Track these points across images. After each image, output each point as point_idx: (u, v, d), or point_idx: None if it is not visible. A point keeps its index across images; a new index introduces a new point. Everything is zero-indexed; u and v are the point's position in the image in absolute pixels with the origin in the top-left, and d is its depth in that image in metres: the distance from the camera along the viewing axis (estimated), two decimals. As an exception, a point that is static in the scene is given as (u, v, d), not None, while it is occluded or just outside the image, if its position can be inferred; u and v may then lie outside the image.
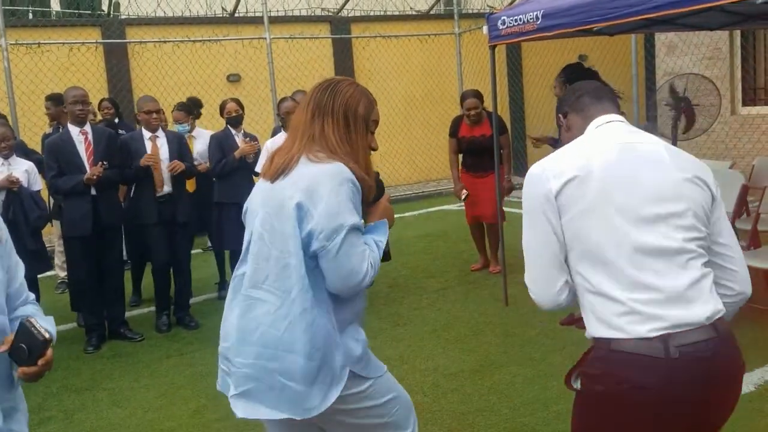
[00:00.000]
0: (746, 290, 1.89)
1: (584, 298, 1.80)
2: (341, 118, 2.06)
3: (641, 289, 1.71)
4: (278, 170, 2.04)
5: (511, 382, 3.92)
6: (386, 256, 2.11)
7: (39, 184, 5.23)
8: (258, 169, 5.42)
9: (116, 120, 6.90)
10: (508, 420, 3.47)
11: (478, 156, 6.07)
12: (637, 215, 1.74)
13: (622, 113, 2.03)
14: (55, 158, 4.86)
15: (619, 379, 1.70)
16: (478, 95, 5.99)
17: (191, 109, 6.48)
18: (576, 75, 5.36)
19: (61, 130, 6.65)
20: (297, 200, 1.95)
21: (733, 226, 4.74)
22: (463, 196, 6.12)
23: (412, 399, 2.27)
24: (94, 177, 4.79)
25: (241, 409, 2.03)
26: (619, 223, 1.74)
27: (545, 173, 1.82)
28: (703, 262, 1.78)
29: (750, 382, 3.66)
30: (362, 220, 2.03)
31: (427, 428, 3.43)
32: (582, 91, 2.02)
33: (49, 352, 1.70)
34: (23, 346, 1.67)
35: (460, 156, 6.29)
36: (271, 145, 5.39)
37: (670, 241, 1.74)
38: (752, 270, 4.50)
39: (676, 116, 6.01)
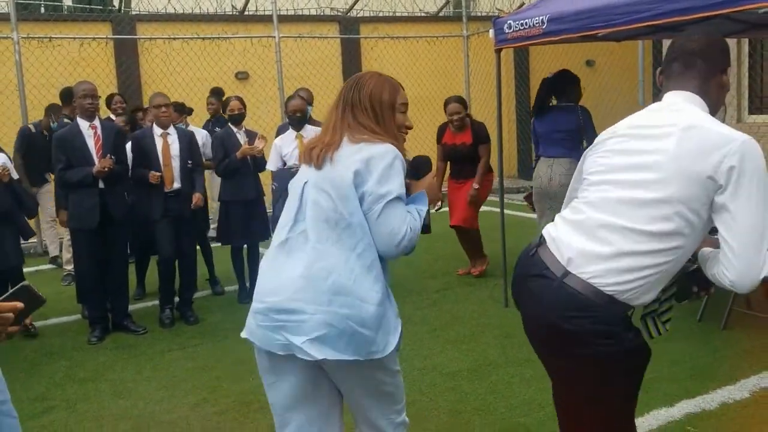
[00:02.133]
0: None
1: None
2: (369, 108, 2.24)
3: None
4: (323, 158, 2.20)
5: (508, 382, 3.96)
6: (426, 229, 2.28)
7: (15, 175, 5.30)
8: (270, 167, 5.47)
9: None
10: (504, 419, 3.51)
11: (460, 163, 6.18)
12: None
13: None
14: (64, 151, 4.92)
15: None
16: (461, 101, 6.06)
17: (184, 108, 6.58)
18: (551, 86, 5.48)
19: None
20: (354, 168, 2.12)
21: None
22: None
23: (409, 397, 2.39)
24: (105, 169, 4.85)
25: (318, 352, 2.09)
26: None
27: None
28: None
29: (745, 388, 3.69)
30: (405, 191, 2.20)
31: (423, 425, 3.47)
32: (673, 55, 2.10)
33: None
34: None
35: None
36: (280, 143, 5.44)
37: None
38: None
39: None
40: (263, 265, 2.27)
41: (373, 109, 2.24)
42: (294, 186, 2.30)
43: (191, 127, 6.34)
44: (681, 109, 1.99)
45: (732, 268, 1.83)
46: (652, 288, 1.94)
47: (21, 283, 1.69)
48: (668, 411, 3.43)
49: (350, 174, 2.12)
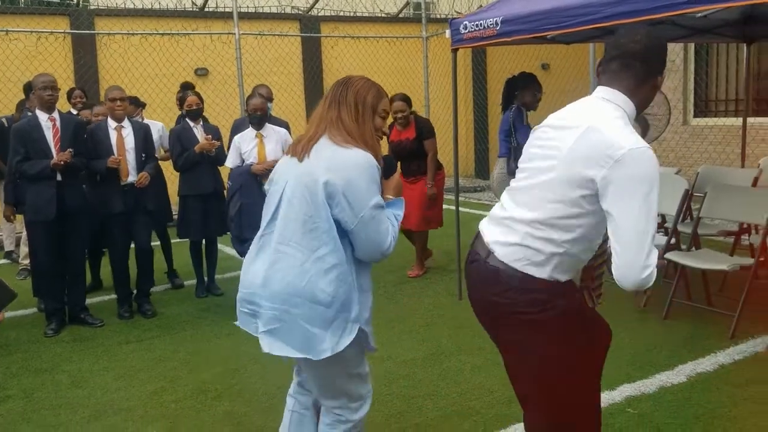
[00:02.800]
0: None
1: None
2: (353, 106, 2.36)
3: None
4: (304, 151, 2.33)
5: (460, 369, 4.10)
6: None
7: None
8: (228, 164, 5.50)
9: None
10: (455, 404, 3.65)
11: (406, 160, 6.14)
12: None
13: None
14: (23, 143, 4.90)
15: None
16: (405, 99, 6.06)
17: (138, 101, 6.59)
18: (513, 86, 5.68)
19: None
20: (325, 179, 2.24)
21: (675, 229, 5.02)
22: None
23: None
24: (62, 162, 4.85)
25: (267, 345, 2.33)
26: None
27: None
28: None
29: (682, 373, 3.90)
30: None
31: (378, 411, 3.59)
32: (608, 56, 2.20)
33: None
34: None
35: None
36: (239, 140, 5.48)
37: None
38: (692, 270, 4.77)
39: (633, 125, 6.27)
40: (246, 256, 2.45)
41: (356, 107, 2.36)
42: (276, 181, 2.41)
43: (147, 120, 6.33)
44: (596, 107, 2.10)
45: (616, 267, 1.96)
46: (567, 270, 2.10)
47: None
48: (610, 394, 3.61)
49: (321, 182, 2.23)
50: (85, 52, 9.79)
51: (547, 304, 2.07)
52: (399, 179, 2.58)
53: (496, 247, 2.15)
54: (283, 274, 2.28)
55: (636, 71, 2.12)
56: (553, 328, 2.08)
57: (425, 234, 6.38)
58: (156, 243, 5.90)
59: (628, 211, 1.92)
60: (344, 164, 2.25)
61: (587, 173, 1.97)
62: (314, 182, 2.25)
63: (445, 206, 6.68)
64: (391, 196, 2.50)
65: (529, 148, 2.22)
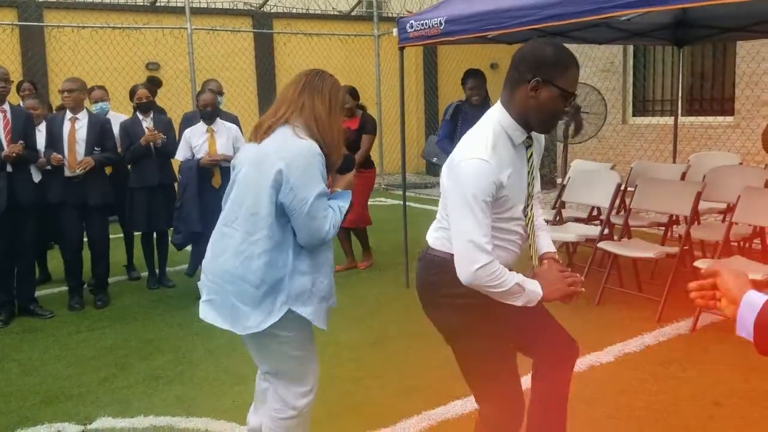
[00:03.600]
0: None
1: None
2: (327, 98, 2.48)
3: None
4: (265, 132, 2.46)
5: (404, 352, 4.30)
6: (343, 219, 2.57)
7: None
8: (178, 156, 5.57)
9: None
10: (398, 383, 3.84)
11: (348, 151, 6.31)
12: None
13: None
14: None
15: None
16: (351, 92, 6.12)
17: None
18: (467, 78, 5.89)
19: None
20: (278, 167, 2.35)
21: (609, 220, 5.31)
22: None
23: None
24: (13, 154, 4.86)
25: (202, 312, 2.51)
26: None
27: None
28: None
29: (611, 353, 4.17)
30: (326, 186, 2.44)
31: (325, 392, 3.71)
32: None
33: None
34: None
35: None
36: (189, 134, 5.56)
37: None
38: (623, 258, 5.07)
39: (568, 122, 6.58)
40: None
41: (330, 100, 2.48)
42: (236, 166, 2.54)
43: (112, 114, 6.33)
44: (475, 128, 2.24)
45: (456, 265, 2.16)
46: None
47: None
48: (543, 373, 3.85)
49: (274, 170, 2.34)
50: (33, 45, 9.68)
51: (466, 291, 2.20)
52: (352, 177, 2.70)
53: (429, 239, 2.37)
54: (222, 252, 2.45)
55: (509, 79, 2.17)
56: (460, 311, 2.28)
57: (363, 231, 6.48)
58: (120, 235, 5.96)
59: (455, 216, 2.14)
60: (292, 152, 2.36)
61: (445, 180, 2.22)
62: (265, 166, 2.36)
63: (393, 201, 6.88)
64: (339, 189, 2.63)
65: None
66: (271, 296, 2.40)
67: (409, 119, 11.13)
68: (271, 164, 2.36)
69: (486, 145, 2.11)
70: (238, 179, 2.48)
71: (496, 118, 2.20)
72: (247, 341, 2.54)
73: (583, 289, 2.33)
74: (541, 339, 2.50)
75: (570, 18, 3.97)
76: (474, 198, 2.07)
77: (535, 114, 2.14)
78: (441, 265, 2.28)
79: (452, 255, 2.20)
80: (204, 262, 2.55)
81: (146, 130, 5.64)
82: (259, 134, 2.48)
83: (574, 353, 2.56)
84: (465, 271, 2.12)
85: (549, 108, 2.13)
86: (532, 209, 2.34)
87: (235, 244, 2.42)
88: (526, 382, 2.48)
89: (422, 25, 5.24)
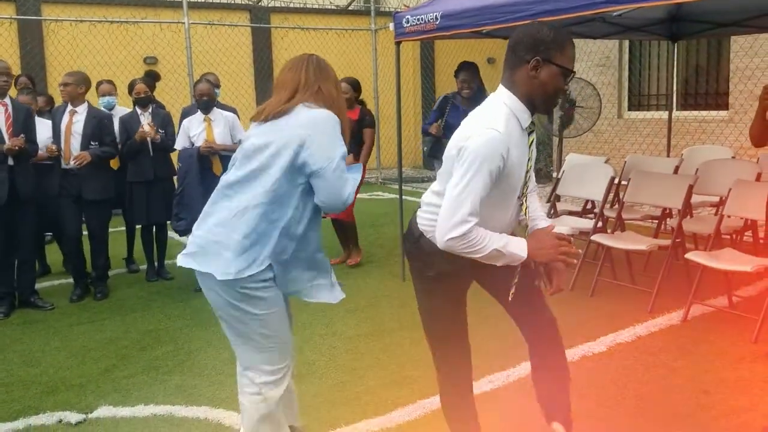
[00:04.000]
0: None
1: None
2: (334, 84, 2.63)
3: None
4: (280, 112, 2.53)
5: (400, 343, 4.37)
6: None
7: None
8: (177, 146, 5.62)
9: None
10: (394, 373, 3.91)
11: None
12: None
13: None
14: None
15: None
16: (351, 83, 6.14)
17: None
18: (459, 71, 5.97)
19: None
20: (300, 134, 2.45)
21: (602, 213, 5.38)
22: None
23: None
24: (15, 148, 4.91)
25: (180, 261, 2.58)
26: None
27: None
28: None
29: (603, 343, 4.24)
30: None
31: (322, 381, 3.82)
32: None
33: None
34: None
35: None
36: (188, 124, 5.61)
37: None
38: (617, 251, 5.13)
39: (563, 116, 6.65)
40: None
41: (336, 83, 2.65)
42: (244, 140, 2.63)
43: (119, 108, 6.35)
44: (483, 105, 2.34)
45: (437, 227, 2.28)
46: None
47: None
48: (536, 363, 3.92)
49: (297, 140, 2.43)
50: (31, 39, 9.70)
51: (429, 262, 2.42)
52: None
53: (418, 214, 2.53)
54: (218, 210, 2.53)
55: (508, 61, 2.28)
56: (426, 284, 2.49)
57: (352, 224, 6.44)
58: (121, 228, 6.02)
59: (452, 183, 2.23)
60: (316, 119, 2.49)
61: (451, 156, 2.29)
62: (285, 138, 2.45)
63: (390, 195, 6.94)
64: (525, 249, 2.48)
65: None
66: (257, 247, 2.46)
67: (407, 114, 11.18)
68: (291, 132, 2.45)
69: (498, 119, 2.21)
70: (246, 147, 2.57)
71: (502, 100, 2.28)
72: (222, 312, 2.56)
73: (575, 261, 2.42)
74: (526, 312, 2.61)
75: (563, 13, 4.02)
76: (480, 166, 2.14)
77: (539, 93, 2.24)
78: (411, 236, 2.50)
79: (423, 234, 2.42)
80: (195, 223, 2.62)
81: (145, 125, 5.69)
82: (267, 112, 2.56)
83: (554, 333, 2.65)
84: (441, 237, 2.22)
85: (551, 86, 2.22)
86: (527, 200, 2.42)
87: (232, 204, 2.50)
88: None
89: (418, 20, 5.29)
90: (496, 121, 2.20)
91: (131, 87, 5.98)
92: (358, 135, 6.21)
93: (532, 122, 2.32)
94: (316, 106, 2.54)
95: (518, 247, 2.26)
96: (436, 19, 5.08)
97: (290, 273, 2.58)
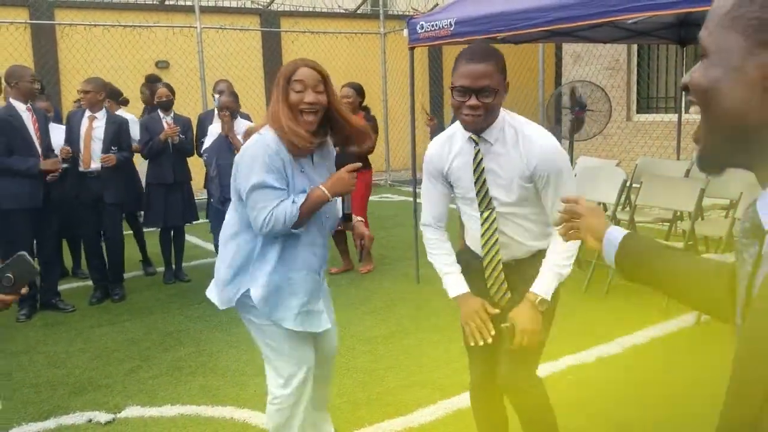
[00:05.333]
0: None
1: None
2: (276, 83, 2.52)
3: None
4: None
5: (418, 345, 4.44)
6: (345, 217, 2.72)
7: None
8: (205, 145, 5.69)
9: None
10: (414, 374, 3.98)
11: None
12: None
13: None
14: (4, 133, 4.96)
15: None
16: (354, 87, 6.01)
17: (115, 96, 6.71)
18: None
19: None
20: (236, 162, 2.55)
21: (615, 216, 5.45)
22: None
23: None
24: (60, 170, 5.13)
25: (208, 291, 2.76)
26: None
27: None
28: None
29: (619, 345, 4.31)
30: (271, 175, 2.44)
31: (342, 381, 3.90)
32: None
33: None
34: (10, 275, 1.90)
35: None
36: (213, 129, 5.68)
37: None
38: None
39: (574, 119, 6.72)
40: None
41: (275, 86, 2.51)
42: None
43: (120, 112, 6.46)
44: None
45: None
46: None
47: (17, 253, 1.91)
48: (553, 364, 3.99)
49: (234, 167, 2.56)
50: (45, 43, 9.81)
51: None
52: (341, 176, 2.56)
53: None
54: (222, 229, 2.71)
55: None
56: None
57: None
58: (129, 232, 6.10)
59: None
60: (245, 146, 2.52)
61: None
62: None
63: (399, 197, 7.01)
64: (323, 188, 2.53)
65: None
66: (240, 275, 2.58)
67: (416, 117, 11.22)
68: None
69: (447, 131, 2.50)
70: None
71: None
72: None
73: (481, 343, 2.39)
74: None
75: (578, 21, 4.10)
76: (425, 172, 2.53)
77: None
78: None
79: None
80: None
81: (166, 125, 5.79)
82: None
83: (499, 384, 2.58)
84: None
85: (453, 103, 2.34)
86: (493, 217, 2.42)
87: (223, 231, 2.66)
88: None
89: (432, 25, 5.36)
90: (444, 132, 2.50)
91: (153, 91, 6.07)
92: None
93: (477, 138, 2.36)
94: (261, 128, 2.51)
95: (452, 289, 2.51)
96: (451, 25, 5.16)
97: (275, 298, 2.57)
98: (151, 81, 6.91)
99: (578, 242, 2.24)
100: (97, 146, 5.45)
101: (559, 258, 2.37)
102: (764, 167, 0.85)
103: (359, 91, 6.11)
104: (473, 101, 2.24)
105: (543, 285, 2.37)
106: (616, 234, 1.50)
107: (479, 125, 2.32)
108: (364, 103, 6.27)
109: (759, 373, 0.73)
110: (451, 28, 5.12)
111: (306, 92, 2.44)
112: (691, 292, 1.32)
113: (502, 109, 2.38)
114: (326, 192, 2.49)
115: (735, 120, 0.85)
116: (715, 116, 0.88)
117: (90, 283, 5.80)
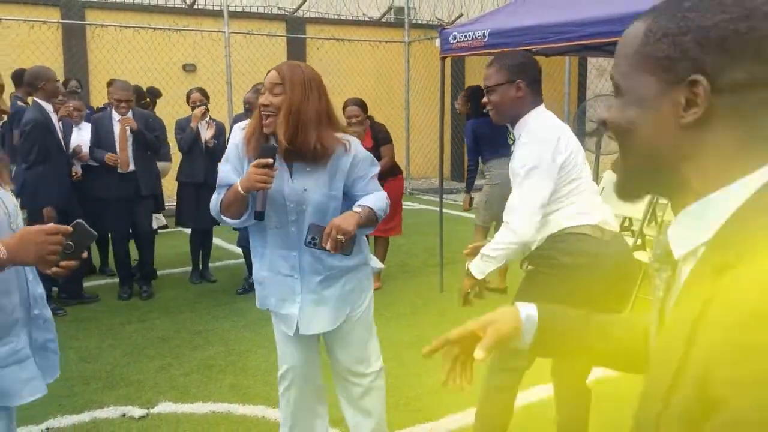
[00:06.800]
0: None
1: None
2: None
3: None
4: None
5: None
6: (257, 216, 2.53)
7: None
8: None
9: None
10: (440, 380, 4.01)
11: None
12: None
13: None
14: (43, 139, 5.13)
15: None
16: (359, 104, 5.74)
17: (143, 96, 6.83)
18: (477, 94, 5.83)
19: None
20: None
21: (641, 231, 5.47)
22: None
23: None
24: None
25: None
26: None
27: None
28: None
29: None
30: (226, 165, 2.62)
31: (371, 386, 3.94)
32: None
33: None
34: (70, 243, 1.92)
35: None
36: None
37: None
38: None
39: (599, 134, 6.74)
40: None
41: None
42: None
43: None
44: None
45: None
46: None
47: (75, 221, 1.96)
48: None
49: None
50: (75, 42, 9.96)
51: None
52: (248, 171, 2.47)
53: None
54: None
55: None
56: None
57: (385, 242, 6.14)
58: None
59: None
60: None
61: None
62: None
63: (420, 206, 7.05)
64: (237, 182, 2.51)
65: None
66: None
67: (436, 126, 11.30)
68: None
69: None
70: None
71: None
72: None
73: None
74: None
75: (616, 36, 4.13)
76: None
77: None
78: None
79: None
80: None
81: (204, 124, 5.91)
82: None
83: None
84: None
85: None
86: None
87: None
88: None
89: (466, 36, 5.42)
90: None
91: (188, 97, 6.16)
92: (379, 158, 5.61)
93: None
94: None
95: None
96: (485, 36, 5.21)
97: (258, 291, 2.76)
98: (152, 93, 7.06)
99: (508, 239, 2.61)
100: (131, 148, 5.55)
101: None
102: (678, 197, 0.89)
103: (364, 106, 5.78)
104: (484, 99, 2.76)
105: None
106: (530, 312, 1.25)
107: (495, 119, 2.78)
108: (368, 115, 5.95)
109: (660, 383, 0.78)
110: (485, 39, 5.17)
111: (264, 95, 2.48)
112: (611, 356, 1.23)
113: (535, 109, 2.71)
114: (239, 186, 2.45)
115: (651, 156, 0.89)
116: (633, 152, 0.91)
117: (116, 280, 5.89)
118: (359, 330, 2.79)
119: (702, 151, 0.84)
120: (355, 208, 2.53)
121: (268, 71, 2.49)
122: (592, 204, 2.68)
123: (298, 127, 2.42)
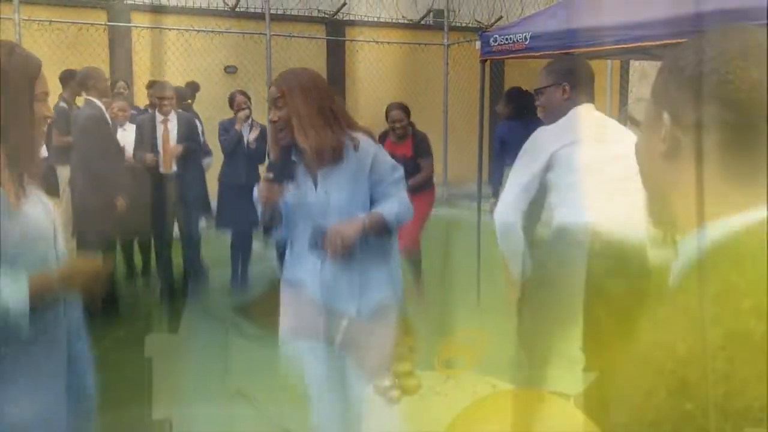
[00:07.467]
0: None
1: None
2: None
3: None
4: None
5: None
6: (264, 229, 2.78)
7: None
8: None
9: None
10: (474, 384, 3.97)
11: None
12: None
13: None
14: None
15: None
16: (403, 108, 5.63)
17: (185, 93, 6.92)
18: (516, 96, 5.79)
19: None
20: None
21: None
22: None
23: None
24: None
25: None
26: None
27: None
28: None
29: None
30: None
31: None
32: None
33: None
34: None
35: None
36: None
37: None
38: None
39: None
40: None
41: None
42: None
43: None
44: None
45: None
46: None
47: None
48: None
49: None
50: (120, 45, 10.18)
51: None
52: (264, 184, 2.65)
53: None
54: None
55: None
56: None
57: (418, 253, 5.81)
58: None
59: None
60: None
61: None
62: None
63: (455, 211, 6.85)
64: None
65: None
66: None
67: (475, 130, 11.24)
68: None
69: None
70: None
71: None
72: None
73: None
74: None
75: (664, 39, 4.07)
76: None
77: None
78: None
79: None
80: None
81: (246, 126, 5.98)
82: None
83: None
84: None
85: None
86: None
87: None
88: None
89: (506, 39, 5.37)
90: None
91: (231, 100, 6.20)
92: (415, 169, 5.51)
93: None
94: None
95: None
96: (526, 39, 5.16)
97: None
98: (191, 88, 7.19)
99: None
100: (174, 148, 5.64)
101: None
102: (674, 229, 0.95)
103: (407, 111, 5.67)
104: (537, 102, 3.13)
105: None
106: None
107: (544, 119, 3.04)
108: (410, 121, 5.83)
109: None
110: (527, 42, 5.12)
111: (270, 111, 2.56)
112: None
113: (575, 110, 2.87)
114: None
115: (646, 177, 0.99)
116: (640, 173, 1.01)
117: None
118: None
119: (681, 183, 0.90)
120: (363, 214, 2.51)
121: (269, 87, 2.57)
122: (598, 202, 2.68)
123: (313, 129, 2.47)
